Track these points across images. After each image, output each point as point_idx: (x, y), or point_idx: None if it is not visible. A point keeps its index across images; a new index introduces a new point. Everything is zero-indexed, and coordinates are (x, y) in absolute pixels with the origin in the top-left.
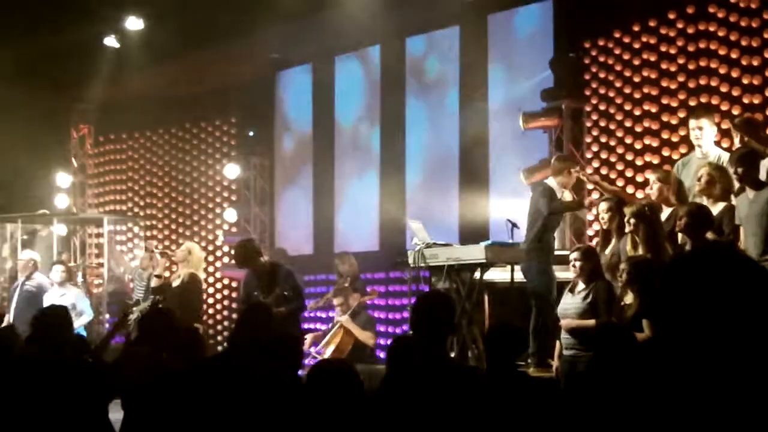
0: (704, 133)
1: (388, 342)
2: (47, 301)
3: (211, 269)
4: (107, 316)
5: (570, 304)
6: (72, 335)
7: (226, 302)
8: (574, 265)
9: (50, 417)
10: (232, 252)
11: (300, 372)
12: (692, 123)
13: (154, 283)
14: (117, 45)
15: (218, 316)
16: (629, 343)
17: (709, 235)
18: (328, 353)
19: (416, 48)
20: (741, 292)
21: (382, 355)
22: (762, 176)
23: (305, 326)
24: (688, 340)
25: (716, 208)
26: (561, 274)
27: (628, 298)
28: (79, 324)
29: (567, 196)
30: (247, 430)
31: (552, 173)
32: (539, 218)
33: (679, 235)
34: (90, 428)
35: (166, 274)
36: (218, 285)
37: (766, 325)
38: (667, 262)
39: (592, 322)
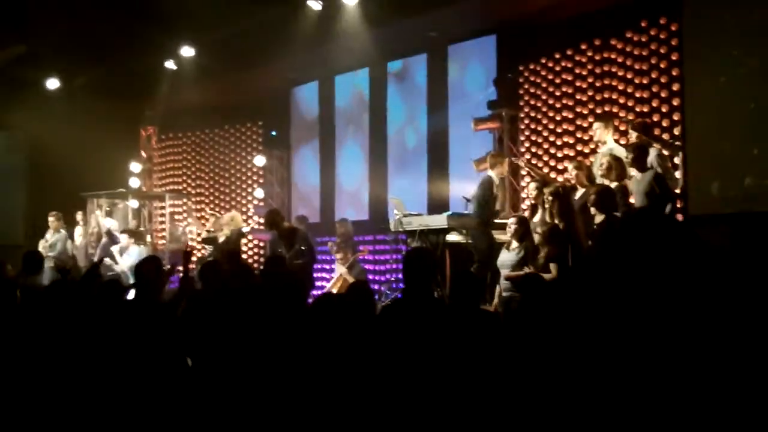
0: (599, 132)
1: (375, 287)
2: (114, 254)
3: (246, 229)
4: (168, 266)
5: (507, 258)
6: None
7: (255, 257)
8: (510, 228)
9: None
10: (263, 218)
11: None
12: (593, 126)
13: (204, 235)
14: (175, 67)
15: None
16: (542, 286)
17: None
18: None
19: (395, 68)
20: (668, 241)
21: None
22: (649, 162)
23: (316, 274)
24: (633, 276)
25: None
26: (501, 236)
27: (542, 251)
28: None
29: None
30: (267, 341)
31: (489, 166)
32: (485, 203)
33: (590, 208)
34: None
35: (211, 229)
36: (249, 245)
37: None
38: (579, 227)
39: (523, 272)
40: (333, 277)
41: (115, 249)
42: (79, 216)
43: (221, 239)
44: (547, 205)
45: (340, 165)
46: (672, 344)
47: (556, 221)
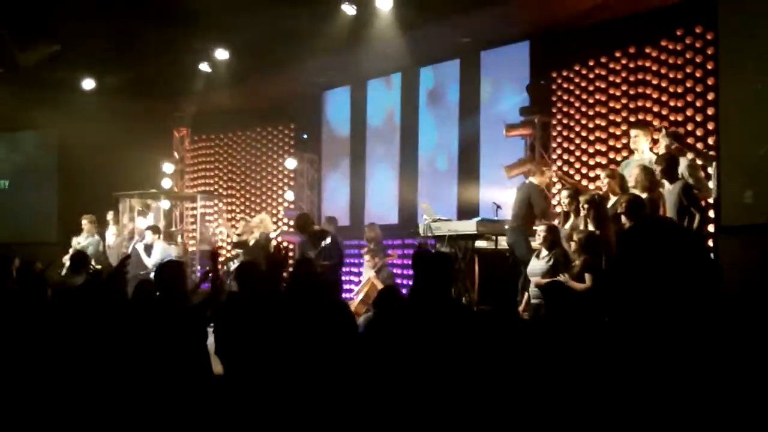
0: (639, 140)
1: (404, 291)
2: (139, 251)
3: (273, 234)
4: (198, 267)
5: (536, 266)
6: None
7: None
8: (539, 236)
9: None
10: (293, 221)
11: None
12: (632, 133)
13: (234, 239)
14: (209, 69)
15: None
16: (566, 294)
17: None
18: (357, 300)
19: (427, 75)
20: (676, 249)
21: None
22: (679, 172)
23: (344, 277)
24: (635, 284)
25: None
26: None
27: (577, 261)
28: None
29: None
30: (301, 335)
31: (531, 174)
32: (525, 208)
33: (622, 216)
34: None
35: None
36: (280, 246)
37: (694, 270)
38: (611, 236)
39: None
40: (361, 281)
41: (140, 247)
42: (109, 216)
43: (251, 242)
44: (582, 213)
45: (370, 169)
46: (670, 355)
47: (591, 229)
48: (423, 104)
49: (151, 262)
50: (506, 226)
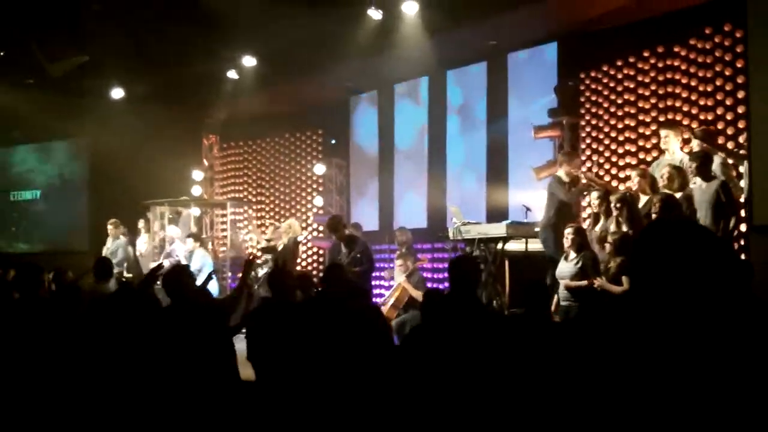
0: (670, 140)
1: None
2: (181, 258)
3: (301, 238)
4: (229, 273)
5: (565, 268)
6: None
7: (314, 264)
8: (567, 238)
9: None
10: (325, 223)
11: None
12: (662, 133)
13: (263, 245)
14: (237, 77)
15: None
16: (603, 298)
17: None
18: (388, 305)
19: (454, 78)
20: (696, 251)
21: None
22: (713, 169)
23: (373, 282)
24: (656, 289)
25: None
26: None
27: (612, 263)
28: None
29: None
30: (330, 340)
31: (559, 165)
32: (555, 205)
33: (653, 216)
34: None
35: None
36: (309, 252)
37: (714, 274)
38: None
39: (583, 283)
40: (392, 285)
41: (180, 253)
42: (141, 224)
43: (280, 248)
44: (614, 213)
45: (398, 173)
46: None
47: (624, 228)
48: (450, 109)
49: (191, 269)
50: (536, 229)
